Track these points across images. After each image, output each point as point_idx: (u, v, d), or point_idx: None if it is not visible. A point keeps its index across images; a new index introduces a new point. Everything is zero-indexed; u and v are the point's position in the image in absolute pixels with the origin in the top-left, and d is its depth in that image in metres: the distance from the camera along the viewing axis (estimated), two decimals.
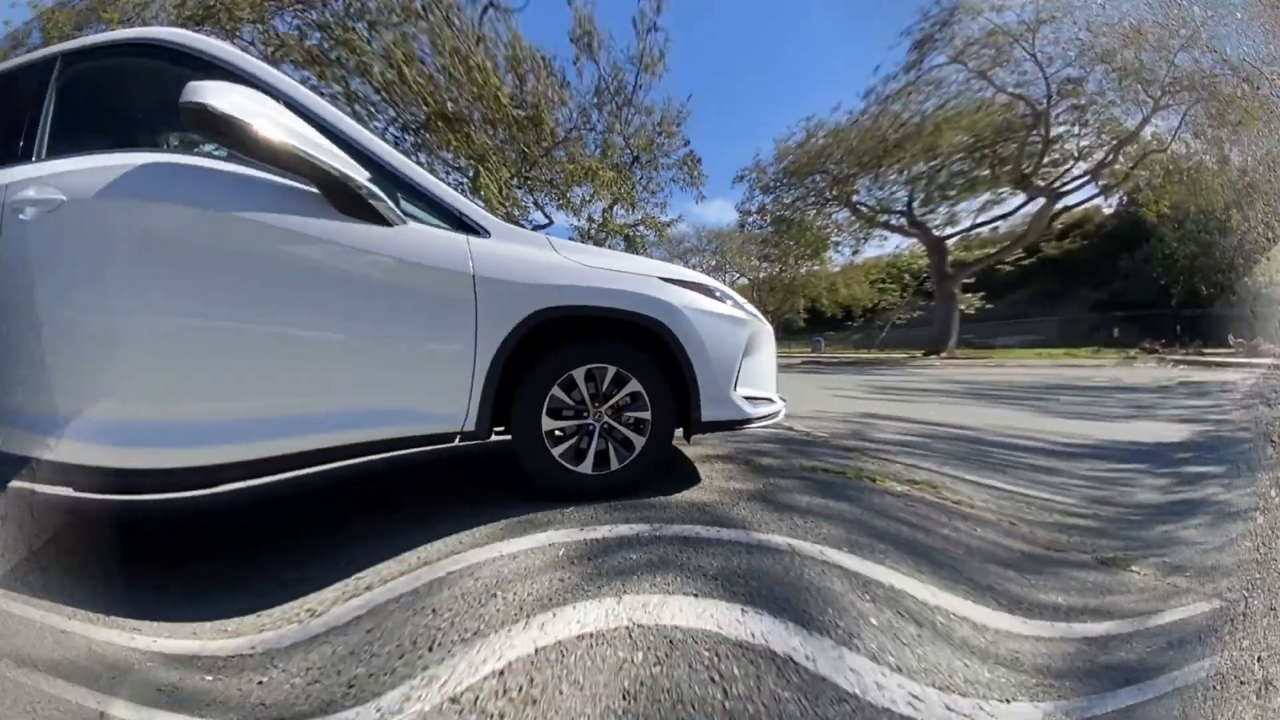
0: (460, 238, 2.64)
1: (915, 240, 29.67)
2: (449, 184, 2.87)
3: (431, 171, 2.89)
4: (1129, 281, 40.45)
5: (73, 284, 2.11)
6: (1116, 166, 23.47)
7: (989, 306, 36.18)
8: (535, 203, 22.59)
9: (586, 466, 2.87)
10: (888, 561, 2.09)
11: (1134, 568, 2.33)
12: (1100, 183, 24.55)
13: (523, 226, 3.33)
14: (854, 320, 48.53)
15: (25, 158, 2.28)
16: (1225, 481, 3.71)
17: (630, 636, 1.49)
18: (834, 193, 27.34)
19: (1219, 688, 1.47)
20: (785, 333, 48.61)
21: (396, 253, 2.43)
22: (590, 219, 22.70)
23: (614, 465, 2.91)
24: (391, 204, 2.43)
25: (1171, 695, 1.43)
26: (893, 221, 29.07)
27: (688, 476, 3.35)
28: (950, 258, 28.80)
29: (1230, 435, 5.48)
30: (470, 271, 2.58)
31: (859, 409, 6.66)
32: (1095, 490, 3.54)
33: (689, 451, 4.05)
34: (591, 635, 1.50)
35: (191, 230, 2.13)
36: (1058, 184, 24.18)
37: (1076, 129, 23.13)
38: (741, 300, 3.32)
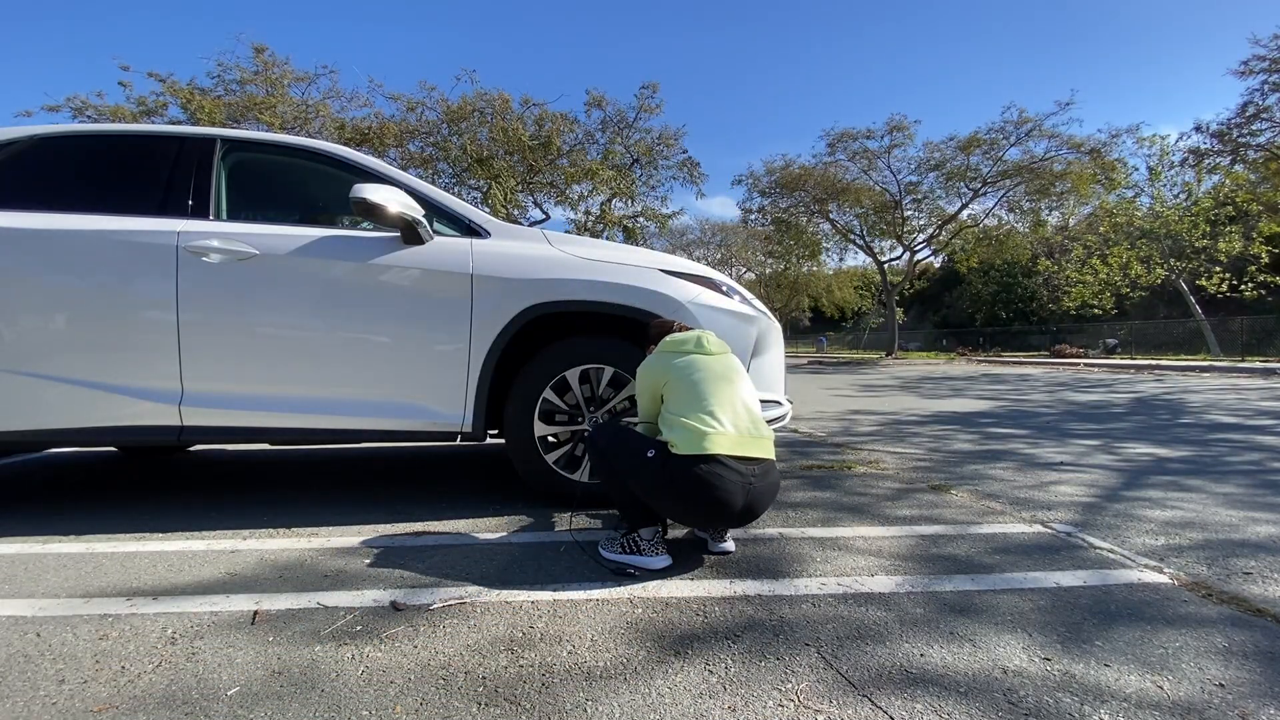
0: (465, 241, 2.05)
1: (872, 259, 25.59)
2: (464, 198, 2.37)
3: (452, 191, 2.59)
4: (951, 310, 40.95)
5: (260, 310, 1.98)
6: (940, 237, 24.19)
7: (903, 320, 33.82)
8: (535, 201, 17.73)
9: (583, 474, 2.02)
10: (839, 523, 1.92)
11: (953, 492, 2.35)
12: (932, 246, 25.22)
13: (520, 225, 2.39)
14: (847, 321, 40.06)
15: (199, 215, 1.99)
16: (1031, 440, 3.65)
17: (631, 602, 1.32)
18: (815, 208, 23.33)
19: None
20: (791, 331, 38.82)
21: (423, 264, 1.98)
22: (588, 212, 17.50)
23: None
24: (428, 226, 2.00)
25: (1002, 591, 1.38)
26: (856, 241, 25.17)
27: None
28: (889, 279, 25.84)
29: (1029, 409, 5.43)
30: (469, 271, 1.98)
31: (849, 407, 5.73)
32: (930, 443, 3.60)
33: None
34: (597, 601, 1.32)
35: (349, 275, 1.99)
36: (913, 245, 24.56)
37: (916, 213, 23.53)
38: (749, 296, 2.27)
